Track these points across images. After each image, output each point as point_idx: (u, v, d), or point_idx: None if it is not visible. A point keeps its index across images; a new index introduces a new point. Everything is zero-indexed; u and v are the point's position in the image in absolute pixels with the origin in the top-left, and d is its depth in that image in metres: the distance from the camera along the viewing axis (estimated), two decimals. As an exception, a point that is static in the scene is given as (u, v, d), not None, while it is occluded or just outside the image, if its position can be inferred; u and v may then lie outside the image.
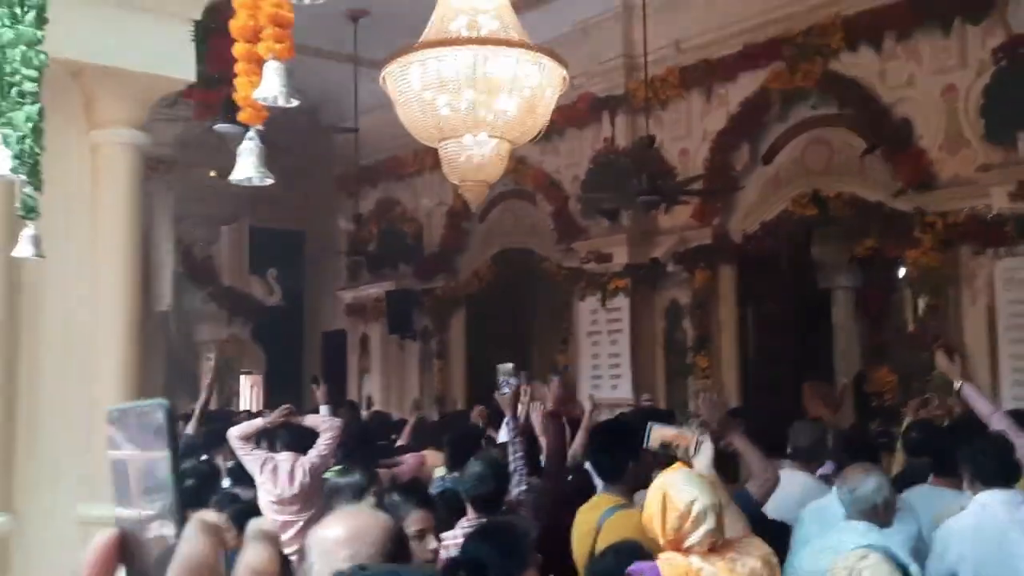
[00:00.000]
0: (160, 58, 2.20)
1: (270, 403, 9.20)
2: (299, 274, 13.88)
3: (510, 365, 4.25)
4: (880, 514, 3.08)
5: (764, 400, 9.00)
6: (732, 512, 2.79)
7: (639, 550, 2.64)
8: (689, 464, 3.04)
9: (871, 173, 8.13)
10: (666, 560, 2.53)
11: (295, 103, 1.96)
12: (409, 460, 5.79)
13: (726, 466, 3.82)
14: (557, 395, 3.98)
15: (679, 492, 2.54)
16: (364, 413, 9.21)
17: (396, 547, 1.44)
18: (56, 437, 2.24)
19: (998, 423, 3.85)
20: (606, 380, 9.77)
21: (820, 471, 4.47)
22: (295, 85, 2.05)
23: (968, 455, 3.49)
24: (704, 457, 3.05)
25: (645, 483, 3.53)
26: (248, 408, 10.33)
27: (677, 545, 2.52)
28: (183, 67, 2.24)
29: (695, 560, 2.50)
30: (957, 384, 4.10)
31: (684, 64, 9.33)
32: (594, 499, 3.36)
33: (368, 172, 12.71)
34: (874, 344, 10.48)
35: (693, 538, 2.50)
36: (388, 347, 12.66)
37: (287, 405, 5.17)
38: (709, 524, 2.50)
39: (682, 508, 2.51)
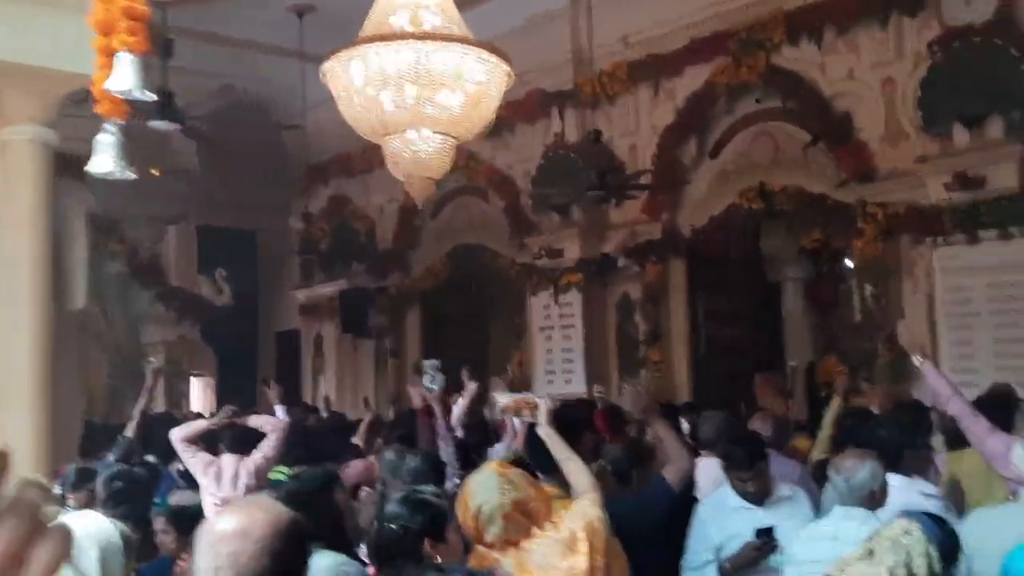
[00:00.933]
0: (60, 53, 2.16)
1: (221, 405, 9.09)
2: (251, 274, 13.75)
3: (435, 361, 4.32)
4: (876, 499, 3.12)
5: (717, 392, 9.09)
6: (576, 474, 2.87)
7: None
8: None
9: (815, 165, 8.24)
10: (475, 554, 2.70)
11: (151, 97, 1.94)
12: (357, 465, 5.77)
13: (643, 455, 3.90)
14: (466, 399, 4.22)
15: (470, 495, 2.68)
16: (324, 414, 9.14)
17: (285, 545, 1.35)
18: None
19: (954, 407, 3.76)
20: (560, 375, 9.81)
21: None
22: (153, 79, 2.03)
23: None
24: (542, 419, 3.09)
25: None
26: (199, 411, 10.21)
27: (479, 541, 2.68)
28: (81, 62, 2.20)
29: (495, 553, 2.64)
30: (917, 360, 4.02)
31: (631, 59, 9.38)
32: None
33: (319, 170, 12.63)
34: (824, 334, 10.66)
35: (488, 537, 2.65)
36: (342, 346, 12.60)
37: (230, 406, 5.13)
38: (495, 527, 2.62)
39: (472, 510, 2.66)
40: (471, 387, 5.16)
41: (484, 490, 2.68)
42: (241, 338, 13.13)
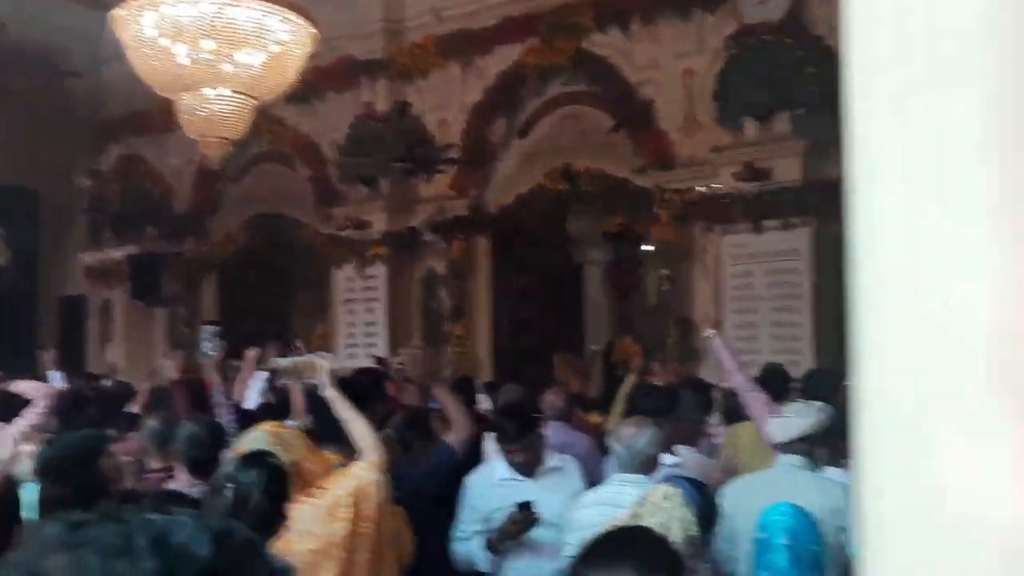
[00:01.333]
0: None
1: (-7, 373, 8.37)
2: (32, 234, 12.72)
3: (214, 327, 4.14)
4: (652, 466, 3.20)
5: (518, 369, 9.22)
6: (359, 436, 2.81)
7: None
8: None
9: (618, 151, 8.46)
10: None
11: None
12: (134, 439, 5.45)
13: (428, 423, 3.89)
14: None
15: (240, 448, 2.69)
16: (109, 383, 8.59)
17: None
18: None
19: (736, 381, 3.94)
20: (362, 348, 9.67)
21: None
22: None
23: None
24: (324, 380, 3.00)
25: None
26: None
27: None
28: None
29: None
30: (708, 334, 4.17)
31: (443, 33, 9.31)
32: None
33: (111, 126, 11.85)
34: (622, 316, 11.04)
35: None
36: (133, 314, 11.92)
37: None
38: None
39: None
40: (250, 355, 4.97)
41: (251, 445, 2.65)
42: (20, 303, 12.16)
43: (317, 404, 3.14)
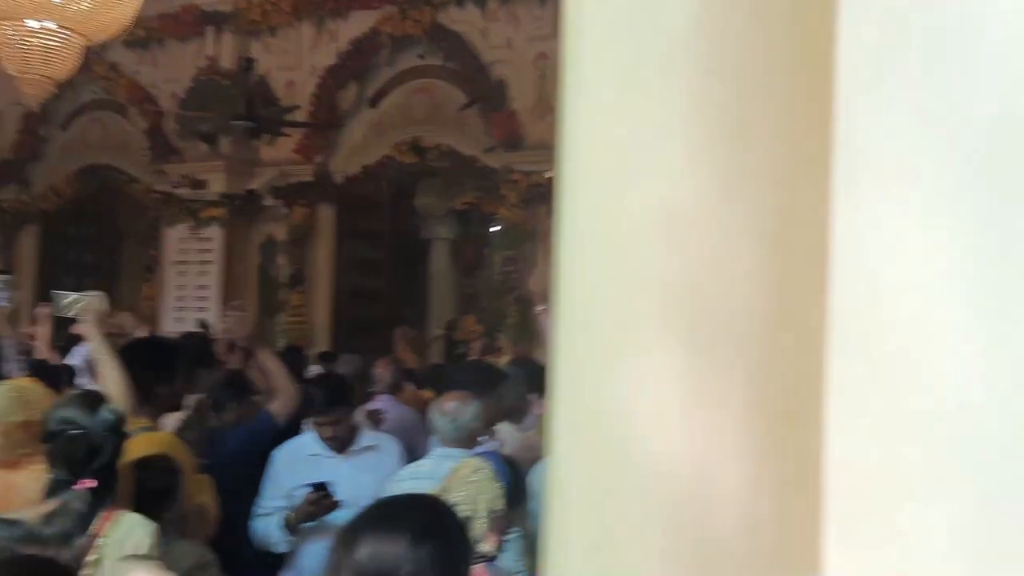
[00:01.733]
0: None
1: None
2: None
3: (6, 276, 3.89)
4: (473, 441, 3.14)
5: (356, 341, 9.08)
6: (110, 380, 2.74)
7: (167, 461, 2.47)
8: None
9: (469, 128, 8.43)
10: None
11: None
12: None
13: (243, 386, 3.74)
14: None
15: None
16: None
17: None
18: None
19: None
20: (192, 312, 9.27)
21: None
22: None
23: None
24: (86, 318, 2.96)
25: (176, 406, 3.34)
26: None
27: None
28: None
29: None
30: (539, 308, 4.17)
31: (296, -10, 9.01)
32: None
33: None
34: (466, 294, 11.04)
35: None
36: (-60, 263, 11.02)
37: None
38: None
39: None
40: (43, 312, 4.58)
41: None
42: None
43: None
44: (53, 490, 2.11)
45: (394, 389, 4.65)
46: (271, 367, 3.51)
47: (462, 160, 8.45)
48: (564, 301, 0.92)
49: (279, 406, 3.39)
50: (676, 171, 0.86)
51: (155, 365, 3.09)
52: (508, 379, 4.16)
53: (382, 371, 4.71)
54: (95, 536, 2.04)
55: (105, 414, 2.20)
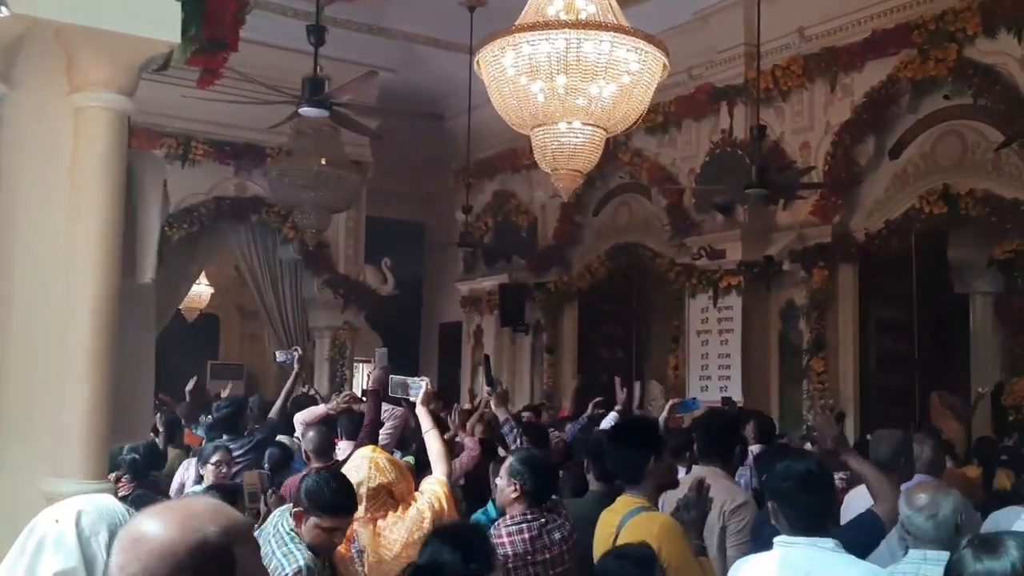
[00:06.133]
0: (142, 18, 2.14)
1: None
2: (418, 265, 14.03)
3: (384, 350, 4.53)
4: (955, 539, 2.72)
5: (884, 409, 8.49)
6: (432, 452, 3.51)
7: (648, 555, 2.43)
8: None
9: (1009, 168, 7.53)
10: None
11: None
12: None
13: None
14: (377, 376, 4.36)
15: (346, 474, 3.05)
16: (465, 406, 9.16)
17: (175, 571, 1.13)
18: (24, 411, 2.20)
19: None
20: (715, 381, 9.43)
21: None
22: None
23: None
24: (418, 396, 3.78)
25: (669, 484, 3.35)
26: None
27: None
28: (166, 28, 2.17)
29: (356, 525, 3.05)
30: None
31: (807, 52, 8.91)
32: (617, 501, 3.17)
33: (484, 164, 12.70)
34: (1015, 353, 9.74)
35: (358, 511, 3.02)
36: (501, 340, 12.63)
37: (347, 392, 5.15)
38: (361, 503, 3.02)
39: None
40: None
41: (355, 471, 3.08)
42: (405, 327, 13.39)
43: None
44: None
45: (935, 468, 4.14)
46: (861, 471, 3.26)
47: (1002, 204, 7.54)
48: None
49: (882, 509, 2.99)
50: None
51: (646, 442, 3.16)
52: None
53: (918, 447, 4.25)
54: None
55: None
